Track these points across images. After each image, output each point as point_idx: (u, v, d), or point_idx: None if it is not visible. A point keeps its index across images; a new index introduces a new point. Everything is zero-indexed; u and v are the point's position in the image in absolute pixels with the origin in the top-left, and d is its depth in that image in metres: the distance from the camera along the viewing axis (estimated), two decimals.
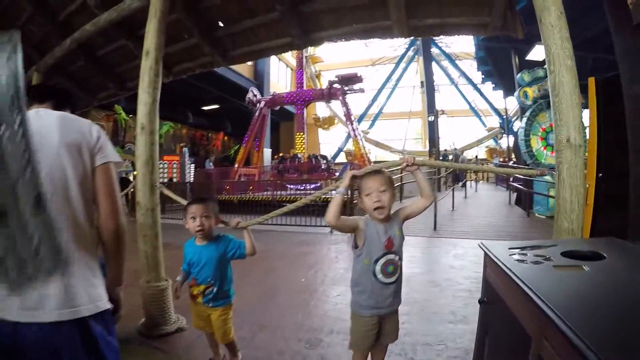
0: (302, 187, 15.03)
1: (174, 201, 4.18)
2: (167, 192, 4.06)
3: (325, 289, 4.83)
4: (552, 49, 2.37)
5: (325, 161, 18.66)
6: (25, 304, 1.26)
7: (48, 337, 1.28)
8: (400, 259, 2.25)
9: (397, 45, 30.99)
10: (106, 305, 1.46)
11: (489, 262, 1.81)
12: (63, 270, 1.26)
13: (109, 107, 20.51)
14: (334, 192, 2.31)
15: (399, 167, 2.54)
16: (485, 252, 1.84)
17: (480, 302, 1.95)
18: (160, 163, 23.48)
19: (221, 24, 4.84)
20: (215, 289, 2.71)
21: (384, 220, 2.21)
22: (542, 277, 1.39)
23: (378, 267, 2.17)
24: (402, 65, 31.44)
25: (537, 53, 10.64)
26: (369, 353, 2.36)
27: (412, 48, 30.22)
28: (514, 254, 1.68)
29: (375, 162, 17.91)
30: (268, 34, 4.78)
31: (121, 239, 1.57)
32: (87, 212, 1.49)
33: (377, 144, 30.48)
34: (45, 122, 1.49)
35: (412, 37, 28.38)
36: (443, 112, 23.68)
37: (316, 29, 4.54)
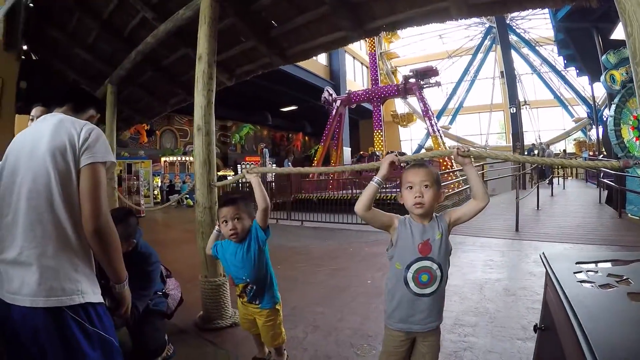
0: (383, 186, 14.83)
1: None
2: (222, 183, 4.12)
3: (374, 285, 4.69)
4: (626, 6, 1.97)
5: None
6: (9, 288, 1.46)
7: (28, 318, 1.43)
8: (441, 269, 1.92)
9: (473, 35, 29.76)
10: (86, 299, 1.52)
11: (549, 280, 1.52)
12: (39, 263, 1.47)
13: (189, 111, 21.44)
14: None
15: (446, 155, 2.38)
16: (545, 265, 1.56)
17: (536, 328, 1.68)
18: (242, 163, 24.41)
19: (274, 24, 4.82)
20: (254, 287, 2.60)
21: (424, 220, 1.94)
22: (607, 310, 1.05)
23: (410, 274, 1.90)
24: (480, 55, 29.80)
25: (621, 31, 9.78)
26: None
27: (489, 37, 28.66)
28: (580, 271, 1.36)
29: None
30: (321, 30, 4.71)
31: (103, 240, 1.59)
32: (70, 214, 1.55)
33: (458, 140, 29.08)
34: (41, 128, 1.61)
35: (484, 23, 27.40)
36: (526, 103, 22.31)
37: (369, 19, 4.37)
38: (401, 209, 2.02)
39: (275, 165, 24.74)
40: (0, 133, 6.96)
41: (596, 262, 1.46)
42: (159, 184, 20.79)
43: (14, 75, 7.84)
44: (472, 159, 2.00)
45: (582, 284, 1.26)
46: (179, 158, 22.64)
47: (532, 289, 4.45)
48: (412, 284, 1.89)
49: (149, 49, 5.29)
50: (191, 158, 22.21)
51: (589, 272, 1.36)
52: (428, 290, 1.90)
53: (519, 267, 5.59)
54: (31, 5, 5.95)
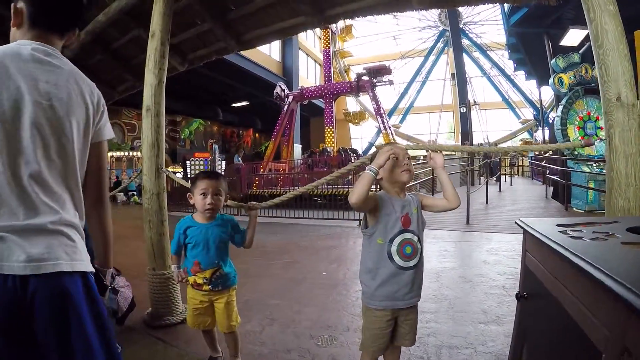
0: (332, 182, 14.80)
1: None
2: (172, 175, 3.87)
3: (347, 283, 4.57)
4: None
5: (355, 155, 18.10)
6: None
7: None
8: (420, 242, 1.97)
9: (426, 37, 30.65)
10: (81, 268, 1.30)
11: (532, 244, 1.46)
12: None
13: (138, 105, 20.77)
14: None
15: (421, 148, 2.35)
16: (525, 230, 1.49)
17: (518, 297, 1.61)
18: (191, 160, 23.86)
19: (232, 7, 4.60)
20: (223, 272, 2.47)
21: (401, 194, 2.01)
22: (613, 257, 0.99)
23: (394, 248, 1.90)
24: (432, 57, 30.85)
25: (571, 37, 10.16)
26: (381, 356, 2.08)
27: (442, 40, 29.77)
28: (564, 231, 1.29)
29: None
30: (280, 14, 4.51)
31: (108, 216, 1.59)
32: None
33: (409, 139, 29.35)
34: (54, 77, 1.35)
35: (437, 26, 28.21)
36: (475, 103, 22.94)
37: (329, 6, 4.22)
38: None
39: (224, 162, 24.32)
40: None
41: (573, 225, 1.38)
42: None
43: None
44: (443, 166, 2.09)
45: (575, 239, 1.18)
46: (126, 153, 21.76)
47: (488, 276, 4.52)
48: (396, 258, 1.90)
49: (99, 29, 4.96)
50: (139, 154, 21.50)
51: (575, 231, 1.29)
52: (411, 263, 1.92)
53: (472, 256, 5.69)
54: None
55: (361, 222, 2.06)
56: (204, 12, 4.60)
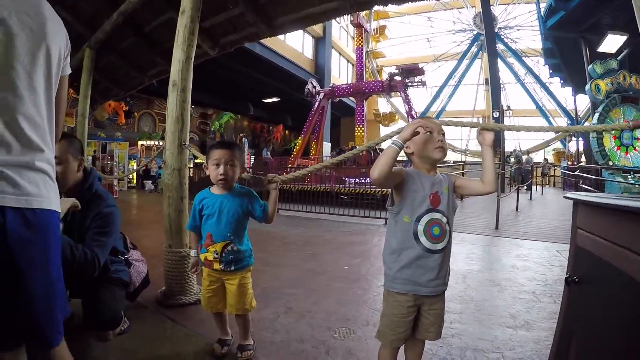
0: (361, 181, 14.57)
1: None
2: (197, 152, 3.80)
3: (369, 278, 4.42)
4: None
5: None
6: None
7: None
8: (450, 224, 1.82)
9: (460, 40, 30.11)
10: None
11: (588, 217, 1.31)
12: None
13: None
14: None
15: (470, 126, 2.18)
16: (578, 202, 1.36)
17: (567, 281, 1.45)
18: None
19: None
20: (235, 247, 2.32)
21: (431, 171, 1.88)
22: None
23: (421, 227, 1.76)
24: (466, 61, 30.16)
25: (609, 43, 9.83)
26: (400, 349, 1.94)
27: (476, 44, 29.07)
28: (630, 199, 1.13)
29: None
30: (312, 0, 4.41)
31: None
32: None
33: None
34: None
35: (472, 30, 27.67)
36: (509, 108, 22.34)
37: None
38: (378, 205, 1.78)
39: (253, 156, 24.41)
40: None
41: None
42: (135, 168, 20.20)
43: None
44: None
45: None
46: (157, 143, 22.04)
47: (517, 281, 4.32)
48: (423, 238, 1.76)
49: (131, 9, 4.95)
50: None
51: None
52: (439, 246, 1.77)
53: (501, 260, 5.48)
54: None
55: (387, 199, 1.92)
56: None
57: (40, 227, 1.26)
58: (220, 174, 2.29)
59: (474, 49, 29.52)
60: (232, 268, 2.34)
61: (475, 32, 28.87)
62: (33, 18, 1.28)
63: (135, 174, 19.60)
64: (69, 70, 1.47)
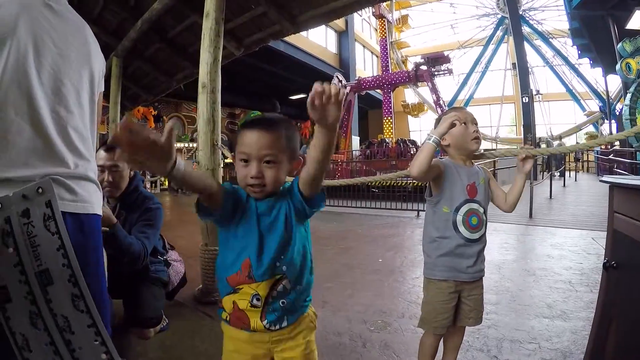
0: (391, 173, 14.49)
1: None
2: (227, 152, 3.86)
3: (404, 270, 4.43)
4: None
5: (414, 146, 17.54)
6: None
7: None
8: (486, 214, 1.89)
9: (485, 25, 29.26)
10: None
11: (625, 199, 1.30)
12: None
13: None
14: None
15: (515, 155, 2.11)
16: (615, 185, 1.36)
17: (605, 266, 1.45)
18: None
19: None
20: (291, 287, 1.31)
21: (467, 162, 1.93)
22: None
23: (460, 217, 1.81)
24: (492, 46, 29.21)
25: (637, 20, 9.49)
26: (442, 338, 1.96)
27: (501, 27, 28.03)
28: None
29: None
30: None
31: None
32: None
33: None
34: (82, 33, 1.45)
35: (496, 14, 26.90)
36: (538, 93, 21.65)
37: None
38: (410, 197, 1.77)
39: None
40: None
41: None
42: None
43: None
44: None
45: None
46: (186, 145, 22.45)
47: (552, 270, 4.24)
48: (462, 228, 1.81)
49: (155, 16, 5.05)
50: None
51: None
52: (477, 235, 1.82)
53: (535, 250, 5.39)
54: None
55: (425, 190, 1.97)
56: None
57: (91, 232, 1.33)
58: (254, 177, 1.25)
59: (499, 33, 28.56)
60: (285, 324, 1.31)
61: (499, 16, 27.95)
62: (79, 41, 1.37)
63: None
64: (103, 87, 1.54)
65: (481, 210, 1.86)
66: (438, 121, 1.93)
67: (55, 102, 1.25)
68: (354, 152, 19.41)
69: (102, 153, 2.44)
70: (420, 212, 8.83)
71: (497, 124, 30.56)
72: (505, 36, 28.25)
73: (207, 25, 3.65)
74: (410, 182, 10.56)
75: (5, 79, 1.15)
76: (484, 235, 1.85)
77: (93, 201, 1.33)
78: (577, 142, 25.50)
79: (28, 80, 1.19)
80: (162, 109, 22.12)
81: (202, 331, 2.88)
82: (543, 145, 20.62)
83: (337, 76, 20.35)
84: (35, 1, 1.26)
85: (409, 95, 29.93)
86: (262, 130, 1.27)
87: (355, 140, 22.19)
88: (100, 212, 1.38)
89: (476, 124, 1.90)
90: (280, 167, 1.29)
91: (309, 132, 31.43)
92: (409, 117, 29.16)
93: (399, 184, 11.11)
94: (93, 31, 1.42)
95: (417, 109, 26.45)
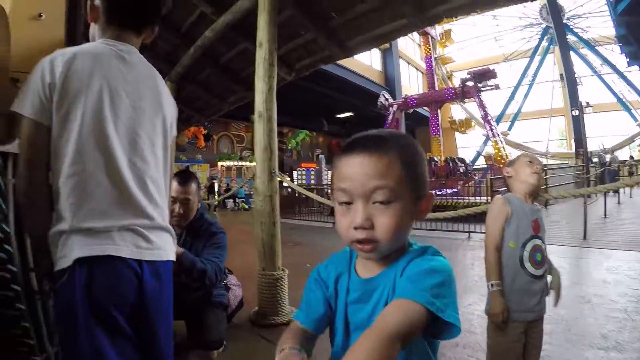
0: (440, 192, 14.27)
1: (310, 203, 4.12)
2: (284, 178, 3.97)
3: (457, 296, 4.32)
4: None
5: (463, 165, 17.45)
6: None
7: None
8: (546, 250, 1.91)
9: (529, 36, 28.38)
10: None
11: None
12: None
13: (246, 118, 21.95)
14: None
15: None
16: None
17: None
18: (298, 170, 24.51)
19: (334, 14, 4.64)
20: None
21: (529, 199, 1.93)
22: None
23: (526, 253, 1.82)
24: (537, 58, 28.22)
25: None
26: None
27: (546, 38, 27.04)
28: None
29: None
30: (382, 18, 4.47)
31: None
32: None
33: (518, 146, 27.24)
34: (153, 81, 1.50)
35: (540, 23, 25.95)
36: (588, 105, 20.66)
37: (432, 5, 4.11)
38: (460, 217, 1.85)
39: (330, 172, 24.58)
40: None
41: None
42: (216, 188, 21.12)
43: None
44: None
45: None
46: (236, 163, 23.01)
47: (608, 297, 4.08)
48: (528, 264, 1.82)
49: (207, 44, 5.27)
50: (247, 163, 22.55)
51: None
52: (541, 272, 1.84)
53: (591, 275, 5.17)
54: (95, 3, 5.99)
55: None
56: (307, 21, 4.72)
57: (165, 277, 1.40)
58: (358, 226, 0.82)
59: (544, 43, 27.58)
60: None
61: (543, 26, 27.02)
62: (151, 90, 1.44)
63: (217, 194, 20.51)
64: (175, 132, 1.60)
65: (543, 246, 1.87)
66: (511, 163, 2.02)
67: (131, 154, 1.32)
68: None
69: (175, 185, 2.55)
70: (472, 234, 8.63)
71: (547, 138, 29.54)
72: (551, 46, 27.20)
73: (261, 55, 3.78)
74: (460, 202, 10.36)
75: (83, 132, 1.23)
76: (546, 271, 1.87)
77: (167, 248, 1.41)
78: (630, 156, 24.09)
79: (105, 133, 1.26)
80: (212, 127, 22.76)
81: (258, 354, 2.97)
82: (596, 160, 19.78)
83: (383, 94, 20.40)
84: (108, 53, 1.34)
85: (456, 111, 29.52)
86: (366, 153, 0.84)
87: None
88: (173, 258, 1.46)
89: (540, 164, 1.94)
90: (398, 209, 0.83)
91: None
92: (457, 133, 28.76)
93: (448, 204, 10.94)
94: (145, 57, 1.48)
95: (464, 126, 26.08)
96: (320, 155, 25.79)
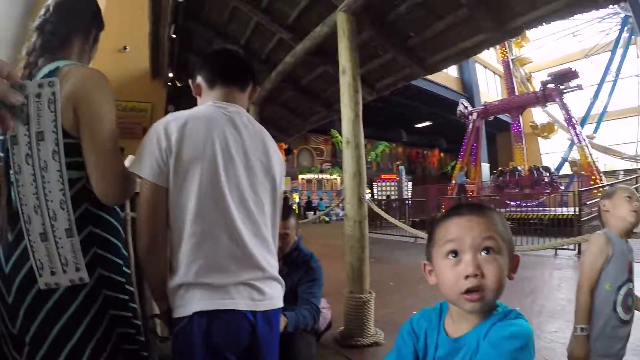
0: (524, 204, 13.60)
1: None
2: (373, 206, 4.03)
3: (541, 322, 4.09)
4: None
5: (548, 174, 16.66)
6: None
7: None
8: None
9: (608, 28, 25.04)
10: None
11: None
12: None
13: (325, 131, 22.23)
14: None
15: None
16: None
17: None
18: (378, 182, 24.47)
19: (411, 34, 4.66)
20: None
21: (624, 237, 1.82)
22: None
23: (620, 297, 1.72)
24: (619, 50, 24.74)
25: None
26: None
27: (626, 28, 23.76)
28: None
29: (604, 172, 15.37)
30: (461, 34, 4.44)
31: None
32: None
33: (606, 150, 24.43)
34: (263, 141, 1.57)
35: (618, 13, 23.52)
36: None
37: (511, 17, 4.02)
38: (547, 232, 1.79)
39: (411, 183, 24.33)
40: None
41: None
42: (297, 201, 21.56)
43: (162, 100, 9.15)
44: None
45: None
46: (316, 176, 23.42)
47: None
48: (619, 309, 1.72)
49: (288, 69, 5.44)
50: (327, 176, 22.81)
51: None
52: (629, 316, 1.74)
53: None
54: (174, 36, 6.40)
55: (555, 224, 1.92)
56: (385, 42, 4.76)
57: (274, 322, 1.48)
58: (469, 276, 0.91)
59: (625, 34, 24.25)
60: None
61: (622, 15, 24.61)
62: (261, 151, 1.51)
63: (296, 206, 20.88)
64: (283, 188, 1.66)
65: (633, 289, 1.78)
66: (608, 196, 1.90)
67: (243, 214, 1.41)
68: (484, 182, 18.54)
69: None
70: (559, 250, 8.18)
71: (636, 139, 26.78)
72: (632, 37, 24.67)
73: (345, 82, 3.85)
74: (547, 214, 9.89)
75: (202, 195, 1.33)
76: (633, 315, 1.77)
77: (278, 297, 1.48)
78: None
79: (222, 195, 1.36)
80: (292, 142, 23.28)
81: None
82: None
83: (462, 102, 19.93)
84: (219, 116, 1.43)
85: (538, 114, 27.96)
86: (473, 213, 0.97)
87: (485, 168, 21.33)
88: (282, 304, 1.51)
89: (638, 200, 1.82)
90: (502, 261, 0.93)
91: (436, 160, 30.90)
92: (539, 138, 27.31)
93: (534, 216, 10.50)
94: None
95: (547, 130, 24.51)
96: (400, 167, 25.56)
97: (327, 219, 19.29)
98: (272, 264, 1.48)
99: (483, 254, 0.92)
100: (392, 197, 21.78)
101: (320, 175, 23.76)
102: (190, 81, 1.61)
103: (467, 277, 0.90)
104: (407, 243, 11.05)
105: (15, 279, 1.22)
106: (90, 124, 1.26)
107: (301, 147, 24.49)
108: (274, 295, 1.46)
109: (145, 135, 1.38)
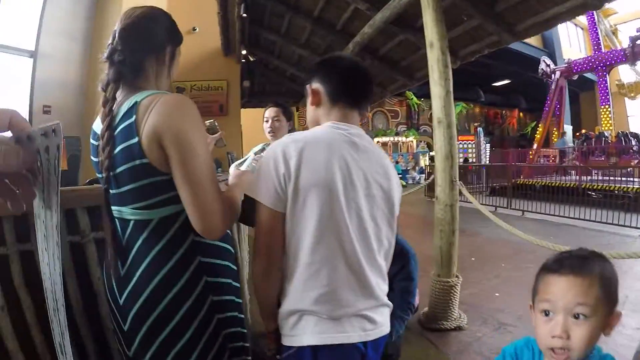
0: (609, 174, 12.41)
1: (468, 180, 4.04)
2: (465, 192, 3.90)
3: (625, 313, 3.72)
4: None
5: (636, 140, 15.09)
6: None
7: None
8: None
9: None
10: None
11: None
12: None
13: (400, 93, 21.78)
14: None
15: None
16: None
17: None
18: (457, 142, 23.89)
19: None
20: None
21: None
22: None
23: None
24: None
25: None
26: None
27: None
28: None
29: None
30: None
31: None
32: None
33: None
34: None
35: None
36: None
37: None
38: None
39: (489, 145, 23.46)
40: (229, 126, 8.51)
41: None
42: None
43: (236, 76, 9.37)
44: None
45: None
46: (392, 138, 23.15)
47: None
48: None
49: (366, 39, 5.29)
50: (403, 138, 22.51)
51: None
52: None
53: None
54: (244, 15, 6.35)
55: None
56: (470, 7, 4.52)
57: (382, 346, 1.46)
58: (555, 336, 1.01)
59: None
60: None
61: None
62: (381, 175, 1.44)
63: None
64: (398, 212, 1.56)
65: None
66: None
67: (362, 242, 1.35)
68: (567, 148, 17.24)
69: None
70: None
71: None
72: None
73: (434, 57, 3.67)
74: (634, 187, 9.18)
75: (321, 222, 1.28)
76: None
77: (387, 323, 1.44)
78: None
79: (342, 223, 1.30)
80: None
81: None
82: None
83: (544, 60, 18.54)
84: (339, 139, 1.36)
85: (624, 72, 25.67)
86: (572, 274, 1.03)
87: (568, 130, 19.72)
88: (389, 329, 1.47)
89: None
90: (593, 325, 0.99)
91: (515, 121, 29.50)
92: (626, 99, 25.27)
93: (618, 189, 9.72)
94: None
95: (634, 90, 22.68)
96: (478, 128, 24.67)
97: (403, 182, 19.09)
98: (384, 289, 1.44)
99: (574, 318, 1.00)
100: (470, 162, 21.02)
101: (396, 138, 23.39)
102: (307, 86, 1.51)
103: (554, 336, 1.01)
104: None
105: (132, 310, 1.28)
106: (182, 161, 1.19)
107: (375, 110, 24.08)
108: (384, 322, 1.43)
109: (264, 157, 1.36)
